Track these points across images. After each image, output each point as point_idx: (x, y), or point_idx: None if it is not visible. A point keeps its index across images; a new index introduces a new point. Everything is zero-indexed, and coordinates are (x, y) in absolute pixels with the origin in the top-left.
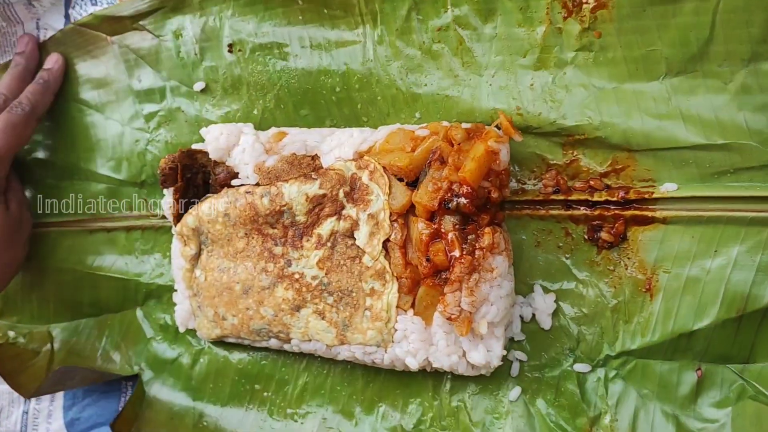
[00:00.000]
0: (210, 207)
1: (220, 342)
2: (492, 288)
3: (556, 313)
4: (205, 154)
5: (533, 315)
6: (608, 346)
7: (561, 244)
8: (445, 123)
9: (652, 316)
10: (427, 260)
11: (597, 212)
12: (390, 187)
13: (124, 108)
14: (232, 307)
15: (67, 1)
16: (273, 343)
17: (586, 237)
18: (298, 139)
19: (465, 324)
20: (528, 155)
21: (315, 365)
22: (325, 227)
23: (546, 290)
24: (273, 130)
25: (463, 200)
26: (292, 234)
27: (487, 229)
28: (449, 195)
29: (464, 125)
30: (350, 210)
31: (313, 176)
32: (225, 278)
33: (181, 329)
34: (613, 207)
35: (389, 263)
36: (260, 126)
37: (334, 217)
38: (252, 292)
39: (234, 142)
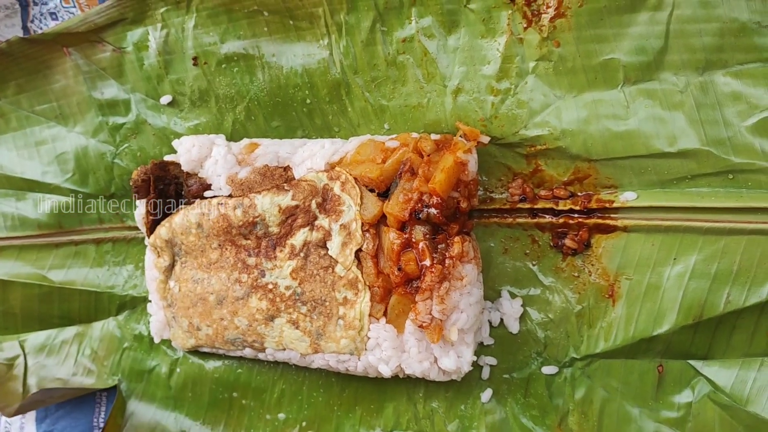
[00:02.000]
0: (183, 218)
1: (195, 351)
2: (462, 296)
3: (523, 318)
4: (178, 165)
5: (501, 320)
6: (573, 349)
7: (528, 251)
8: (414, 134)
9: (615, 322)
10: (399, 269)
11: (562, 220)
12: (361, 198)
13: (88, 120)
14: (207, 317)
15: (24, 14)
16: (247, 352)
17: (551, 244)
18: (270, 151)
19: (436, 331)
20: (495, 165)
21: (290, 372)
22: (298, 238)
23: (513, 296)
24: (245, 141)
25: (433, 210)
26: (266, 245)
27: (457, 239)
28: (420, 205)
29: (433, 136)
30: (322, 221)
31: (285, 187)
32: (199, 289)
33: (156, 340)
34: (576, 215)
35: (362, 273)
36: (232, 137)
37: (307, 228)
38: (226, 302)
39: (206, 154)
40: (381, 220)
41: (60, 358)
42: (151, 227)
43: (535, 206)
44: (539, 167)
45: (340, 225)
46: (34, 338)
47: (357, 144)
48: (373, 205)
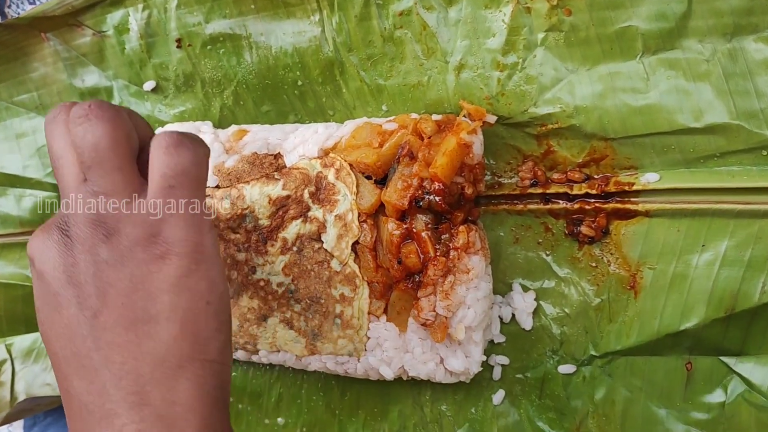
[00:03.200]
0: None
1: None
2: (468, 290)
3: (537, 313)
4: None
5: (513, 315)
6: (592, 346)
7: (540, 240)
8: (414, 115)
9: (637, 315)
10: (399, 263)
11: (577, 206)
12: (357, 186)
13: None
14: None
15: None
16: (240, 354)
17: (566, 232)
18: (260, 137)
19: (441, 330)
20: (503, 147)
21: (287, 375)
22: (291, 230)
23: (526, 289)
24: (233, 128)
25: (434, 198)
26: (256, 239)
27: (462, 228)
28: (420, 192)
29: (434, 117)
30: (316, 211)
31: (275, 176)
32: None
33: None
34: (593, 200)
35: (359, 267)
36: (220, 124)
37: (300, 220)
38: None
39: None
40: (379, 209)
41: (48, 362)
42: None
43: (548, 191)
44: (551, 148)
45: (335, 216)
46: (21, 341)
47: (353, 128)
48: (370, 193)
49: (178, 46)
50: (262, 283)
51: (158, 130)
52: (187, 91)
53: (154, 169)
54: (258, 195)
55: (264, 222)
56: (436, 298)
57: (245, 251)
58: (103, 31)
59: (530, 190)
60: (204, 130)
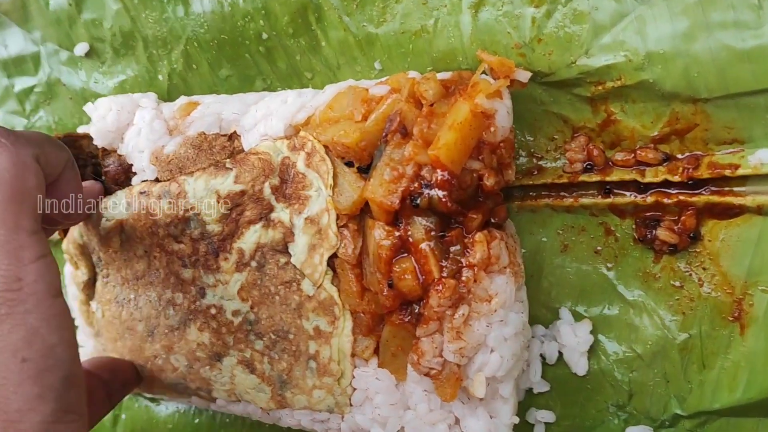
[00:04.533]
0: (96, 217)
1: (139, 393)
2: (491, 326)
3: (594, 352)
4: (92, 140)
5: (560, 354)
6: (677, 402)
7: (599, 248)
8: (412, 74)
9: (745, 360)
10: (390, 286)
11: (651, 199)
12: (335, 177)
13: None
14: (138, 354)
15: None
16: (195, 401)
17: (636, 236)
18: (211, 112)
19: (451, 383)
20: (542, 116)
21: (264, 426)
22: (248, 239)
23: (578, 317)
24: (181, 100)
25: (437, 193)
26: (204, 250)
27: (479, 236)
28: (416, 186)
29: (440, 76)
30: (281, 212)
31: (226, 165)
32: (125, 314)
33: None
34: (675, 190)
35: (338, 290)
36: (169, 96)
37: (260, 224)
38: (158, 333)
39: (128, 121)
40: (366, 209)
41: None
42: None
43: (609, 178)
44: (612, 117)
45: (306, 218)
46: None
47: (332, 95)
48: (351, 186)
49: None
50: (213, 311)
51: (87, 107)
52: (127, 54)
53: None
54: (203, 190)
55: (213, 227)
56: (442, 338)
57: (192, 267)
58: None
59: (583, 177)
60: (144, 104)
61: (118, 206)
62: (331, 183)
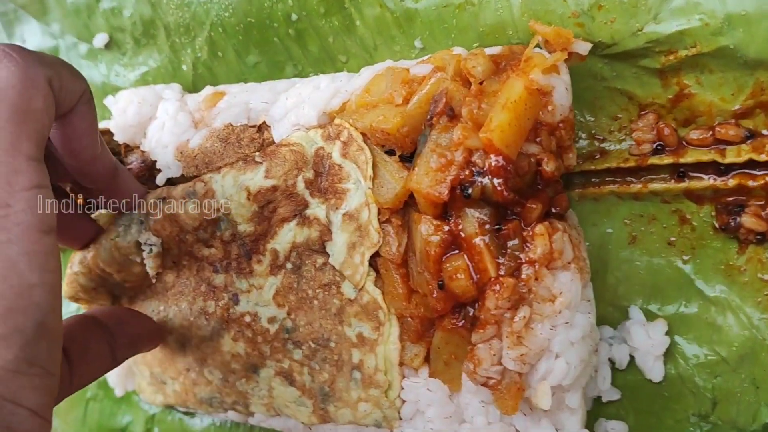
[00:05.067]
0: (107, 248)
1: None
2: (555, 329)
3: (670, 355)
4: (113, 135)
5: (632, 357)
6: None
7: (673, 239)
8: (457, 50)
9: None
10: (440, 286)
11: (734, 182)
12: (374, 167)
13: None
14: (170, 366)
15: None
16: (232, 416)
17: (716, 225)
18: (238, 102)
19: (512, 394)
20: (604, 92)
21: None
22: (282, 239)
23: (651, 316)
24: (206, 90)
25: (491, 181)
26: (236, 253)
27: (540, 228)
28: (467, 174)
29: (489, 51)
30: (316, 208)
31: (256, 159)
32: None
33: (119, 392)
34: (762, 171)
35: (382, 293)
36: (194, 87)
37: (294, 222)
38: (190, 345)
39: (150, 114)
40: (410, 202)
41: None
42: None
43: (683, 159)
44: (686, 90)
45: (344, 214)
46: None
47: (369, 78)
48: (393, 177)
49: None
50: (248, 318)
51: (106, 100)
52: (149, 43)
53: None
54: (232, 187)
55: (245, 227)
56: (501, 344)
57: (224, 272)
58: None
59: (653, 160)
60: (167, 96)
61: (130, 230)
62: (370, 174)
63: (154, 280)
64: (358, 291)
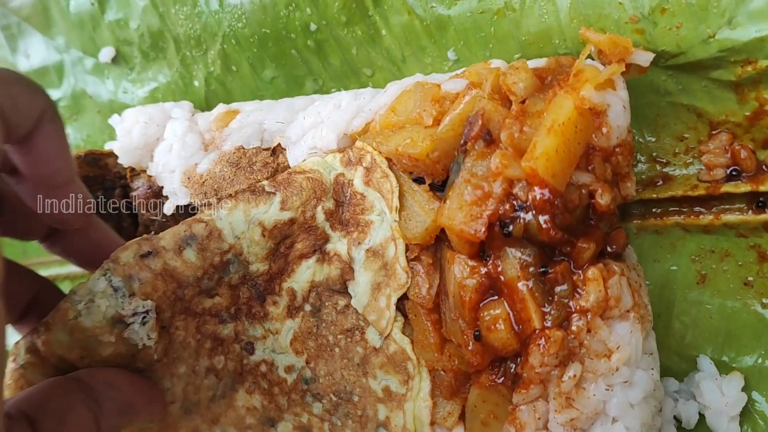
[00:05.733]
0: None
1: None
2: (612, 389)
3: (747, 414)
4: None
5: (701, 416)
6: None
7: (750, 279)
8: (496, 63)
9: None
10: (476, 337)
11: None
12: (401, 197)
13: None
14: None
15: None
16: None
17: None
18: (251, 122)
19: None
20: (668, 110)
21: None
22: (300, 277)
23: (724, 368)
24: (218, 109)
25: (535, 217)
26: (247, 296)
27: (592, 271)
28: (507, 208)
29: (532, 64)
30: (337, 243)
31: (266, 188)
32: None
33: None
34: None
35: (411, 342)
36: (207, 105)
37: (313, 258)
38: (199, 408)
39: (157, 135)
40: (442, 236)
41: None
42: None
43: (763, 187)
44: (766, 106)
45: (367, 250)
46: None
47: (395, 94)
48: (423, 208)
49: None
50: (263, 368)
51: (112, 119)
52: (158, 57)
53: None
54: (244, 224)
55: (257, 267)
56: (547, 407)
57: (233, 320)
58: None
59: (727, 188)
60: (176, 115)
61: (96, 306)
62: (396, 205)
63: (156, 356)
64: (384, 339)
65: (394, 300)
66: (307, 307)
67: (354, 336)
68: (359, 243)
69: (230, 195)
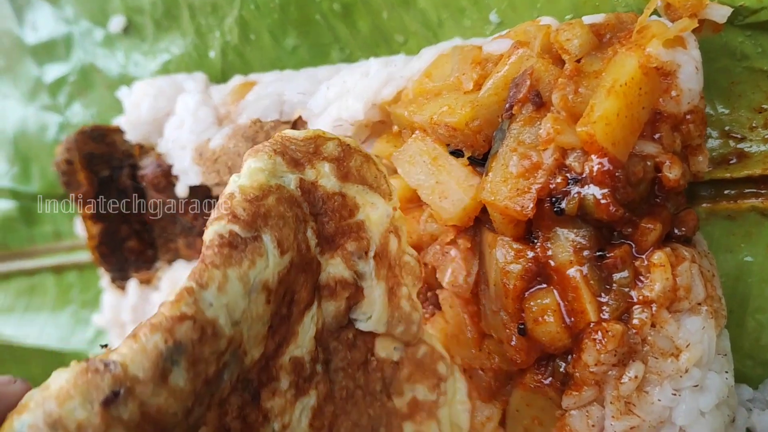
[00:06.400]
0: None
1: None
2: (680, 393)
3: None
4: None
5: None
6: None
7: None
8: (546, 20)
9: None
10: (521, 331)
11: None
12: (438, 173)
13: (21, 76)
14: None
15: None
16: None
17: None
18: (269, 93)
19: None
20: (743, 76)
21: None
22: (303, 336)
23: None
24: (235, 80)
25: (592, 191)
26: (238, 405)
27: (659, 256)
28: (559, 181)
29: (587, 19)
30: (331, 268)
31: (242, 234)
32: None
33: None
34: None
35: (443, 336)
36: (223, 77)
37: (314, 305)
38: None
39: (167, 109)
40: (482, 217)
41: None
42: (98, 245)
43: None
44: None
45: (374, 257)
46: None
47: (430, 59)
48: (460, 185)
49: None
50: None
51: (120, 92)
52: (171, 26)
53: None
54: (243, 298)
55: (253, 356)
56: (603, 412)
57: None
58: None
59: None
60: (188, 88)
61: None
62: (392, 188)
63: None
64: (408, 348)
65: (413, 297)
66: (319, 368)
67: (370, 364)
68: (365, 252)
69: (203, 264)
